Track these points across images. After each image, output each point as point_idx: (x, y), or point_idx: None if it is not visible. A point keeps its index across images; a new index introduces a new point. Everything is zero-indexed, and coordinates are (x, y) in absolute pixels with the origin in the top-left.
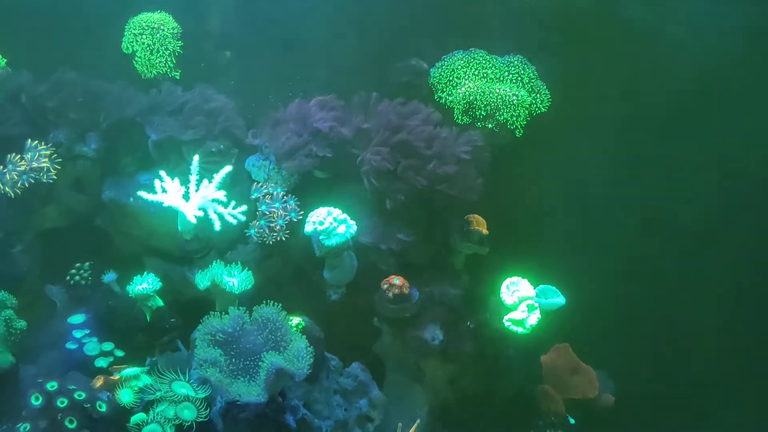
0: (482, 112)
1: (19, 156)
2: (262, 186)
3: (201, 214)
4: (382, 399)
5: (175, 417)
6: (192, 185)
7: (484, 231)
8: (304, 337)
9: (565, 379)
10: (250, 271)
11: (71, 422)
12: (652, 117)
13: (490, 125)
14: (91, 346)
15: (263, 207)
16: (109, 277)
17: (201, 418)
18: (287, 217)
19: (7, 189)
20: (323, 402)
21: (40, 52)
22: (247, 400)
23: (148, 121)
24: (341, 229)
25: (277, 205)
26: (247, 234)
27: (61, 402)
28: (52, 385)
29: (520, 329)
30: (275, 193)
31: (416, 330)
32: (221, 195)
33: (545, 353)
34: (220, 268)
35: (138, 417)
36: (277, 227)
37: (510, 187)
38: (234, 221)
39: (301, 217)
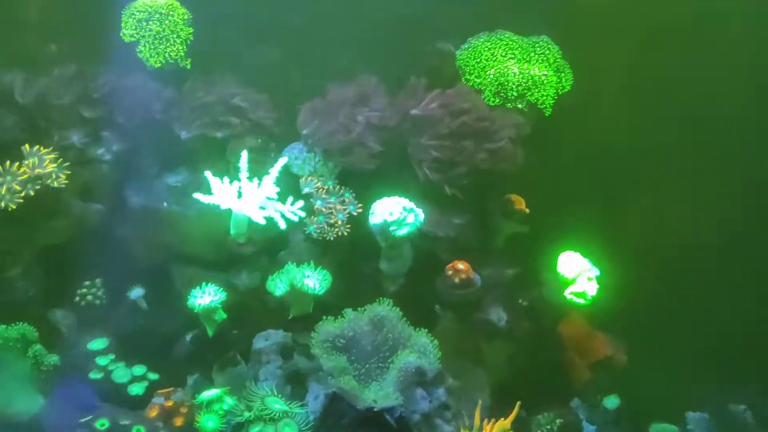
0: (514, 93)
1: (17, 164)
2: (312, 180)
3: (267, 214)
4: (458, 386)
5: None
6: (244, 184)
7: (525, 210)
8: (424, 330)
9: (583, 344)
10: (325, 270)
11: None
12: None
13: (520, 105)
14: (120, 373)
15: (319, 202)
16: (137, 292)
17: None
18: (346, 211)
19: (3, 203)
20: (407, 396)
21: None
22: (384, 405)
23: (174, 118)
24: (410, 218)
25: (332, 199)
26: (306, 232)
27: None
28: (102, 424)
29: (581, 300)
30: (329, 186)
31: (482, 313)
32: (275, 191)
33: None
34: (296, 270)
35: None
36: (338, 222)
37: (541, 165)
38: (296, 218)
39: (360, 210)
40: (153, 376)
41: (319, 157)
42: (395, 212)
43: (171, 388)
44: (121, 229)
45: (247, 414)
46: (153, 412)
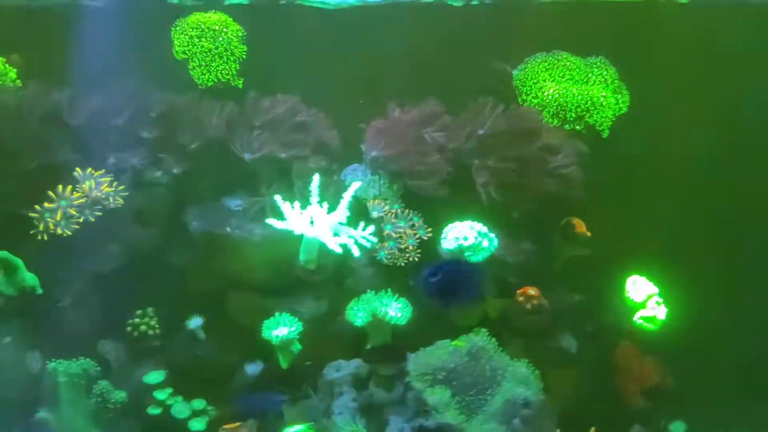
0: (572, 114)
1: (69, 188)
2: (380, 204)
3: (340, 240)
4: (533, 415)
5: None
6: (314, 208)
7: (587, 233)
8: (524, 361)
9: (635, 370)
10: (404, 298)
11: None
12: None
13: (578, 127)
14: (180, 408)
15: (389, 227)
16: (195, 322)
17: None
18: (416, 236)
19: (59, 229)
20: None
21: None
22: None
23: (235, 139)
24: (485, 243)
25: (401, 223)
26: (377, 258)
27: None
28: None
29: (651, 325)
30: (397, 210)
31: (552, 340)
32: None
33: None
34: (375, 299)
35: None
36: (410, 247)
37: (599, 187)
38: (368, 245)
39: (430, 235)
40: (212, 410)
41: (384, 180)
42: (470, 237)
43: (237, 423)
44: (176, 255)
45: None
46: None
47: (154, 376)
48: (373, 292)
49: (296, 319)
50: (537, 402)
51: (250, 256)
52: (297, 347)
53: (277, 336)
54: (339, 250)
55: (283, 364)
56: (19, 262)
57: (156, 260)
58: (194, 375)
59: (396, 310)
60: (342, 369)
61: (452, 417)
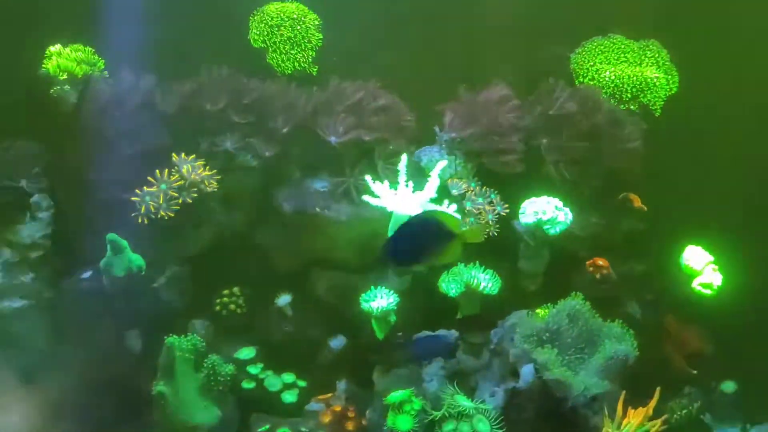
0: (628, 95)
1: (167, 171)
2: (459, 182)
3: None
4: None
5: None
6: (402, 187)
7: (643, 207)
8: (618, 322)
9: (679, 336)
10: (491, 270)
11: None
12: None
13: (633, 107)
14: (272, 381)
15: (469, 204)
16: (284, 299)
17: (497, 428)
18: (495, 212)
19: (162, 212)
20: None
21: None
22: (595, 392)
23: (321, 123)
24: (561, 217)
25: (480, 200)
26: None
27: None
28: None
29: (708, 291)
30: (476, 188)
31: (619, 308)
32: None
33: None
34: (465, 271)
35: None
36: (489, 222)
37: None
38: None
39: (508, 211)
40: (301, 383)
41: (459, 159)
42: (548, 211)
43: (330, 394)
44: (263, 236)
45: (437, 413)
46: (326, 418)
47: (246, 352)
48: (462, 265)
49: (392, 292)
50: (632, 358)
51: (336, 235)
52: (393, 318)
53: (378, 307)
54: None
55: (380, 335)
56: (126, 243)
57: (244, 241)
58: (282, 350)
59: (486, 281)
60: None
61: (561, 373)
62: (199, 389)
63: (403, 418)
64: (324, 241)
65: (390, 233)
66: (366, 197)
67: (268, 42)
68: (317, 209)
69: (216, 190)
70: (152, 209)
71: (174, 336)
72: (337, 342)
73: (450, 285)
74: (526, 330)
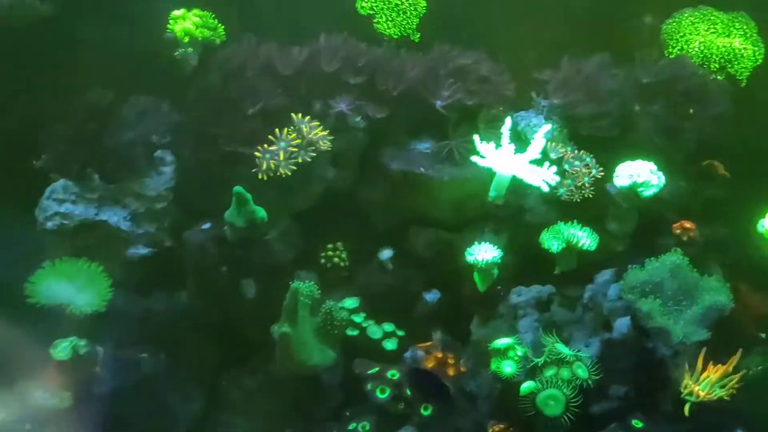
0: (716, 65)
1: (286, 130)
2: (557, 146)
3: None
4: None
5: (573, 377)
6: (507, 149)
7: (727, 174)
8: (715, 275)
9: (748, 300)
10: (589, 228)
11: (425, 409)
12: None
13: (719, 77)
14: (374, 329)
15: (567, 166)
16: (386, 253)
17: (594, 375)
18: (591, 174)
19: (281, 169)
20: None
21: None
22: (695, 339)
23: (427, 87)
24: (654, 180)
25: (576, 163)
26: (557, 195)
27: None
28: (393, 374)
29: None
30: (573, 152)
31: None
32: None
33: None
34: (565, 228)
35: (529, 386)
36: (585, 184)
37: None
38: (554, 183)
39: (603, 174)
40: (400, 332)
41: (556, 125)
42: (643, 174)
43: (429, 343)
44: (367, 194)
45: (539, 359)
46: (430, 363)
47: (350, 302)
48: (562, 222)
49: (496, 246)
50: (728, 309)
51: (437, 195)
52: (495, 272)
53: (484, 259)
54: (545, 189)
55: (481, 287)
56: (250, 196)
57: (349, 198)
58: (382, 302)
59: (585, 238)
60: (523, 294)
61: (664, 322)
62: (315, 332)
63: (506, 363)
64: (425, 200)
65: (492, 194)
66: (474, 158)
67: (375, 9)
68: (421, 169)
69: (330, 147)
70: (272, 166)
71: (298, 282)
72: (432, 296)
73: (552, 241)
74: (631, 282)
